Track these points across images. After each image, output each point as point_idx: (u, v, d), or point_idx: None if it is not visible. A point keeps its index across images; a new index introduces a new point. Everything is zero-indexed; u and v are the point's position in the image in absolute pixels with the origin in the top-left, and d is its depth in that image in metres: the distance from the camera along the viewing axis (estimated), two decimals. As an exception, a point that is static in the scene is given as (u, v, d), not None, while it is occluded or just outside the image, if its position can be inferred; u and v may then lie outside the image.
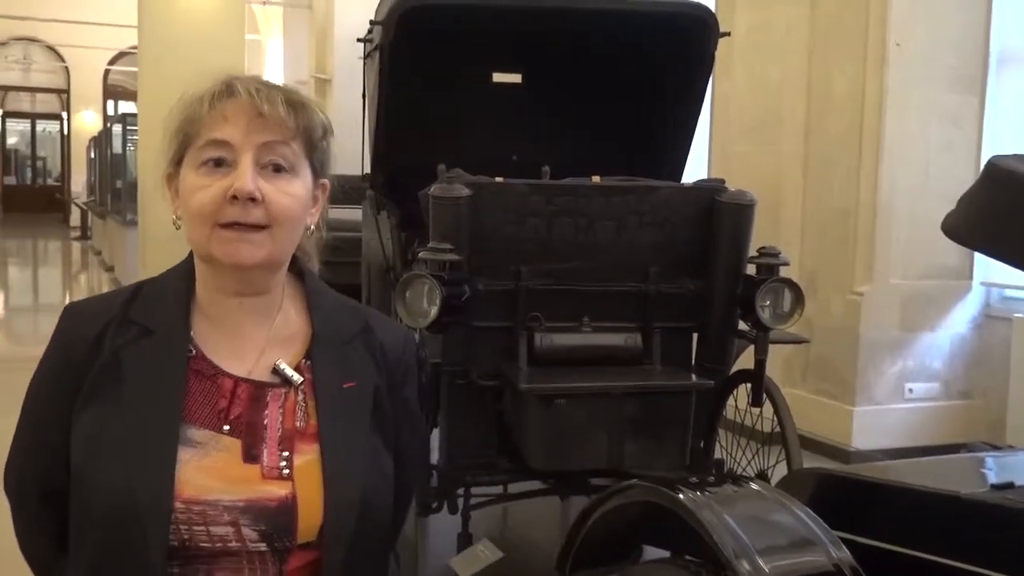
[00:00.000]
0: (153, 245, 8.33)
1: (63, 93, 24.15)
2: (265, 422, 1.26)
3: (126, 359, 1.24)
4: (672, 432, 3.08)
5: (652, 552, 2.15)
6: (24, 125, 26.38)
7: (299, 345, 1.33)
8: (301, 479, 1.24)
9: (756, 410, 3.50)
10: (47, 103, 25.34)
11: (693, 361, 3.41)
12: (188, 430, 1.22)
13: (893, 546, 1.73)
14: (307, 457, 1.26)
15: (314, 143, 1.29)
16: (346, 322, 1.37)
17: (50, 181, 26.46)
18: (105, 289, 12.24)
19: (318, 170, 1.31)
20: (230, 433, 1.24)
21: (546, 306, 3.20)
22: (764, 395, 3.43)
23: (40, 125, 26.32)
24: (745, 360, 3.46)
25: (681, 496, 1.76)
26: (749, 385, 3.43)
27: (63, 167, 25.15)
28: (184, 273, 1.32)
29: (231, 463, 1.23)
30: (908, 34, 5.24)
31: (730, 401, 3.62)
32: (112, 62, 23.06)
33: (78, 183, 22.36)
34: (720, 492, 1.87)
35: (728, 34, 4.14)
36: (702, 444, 3.49)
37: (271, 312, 1.32)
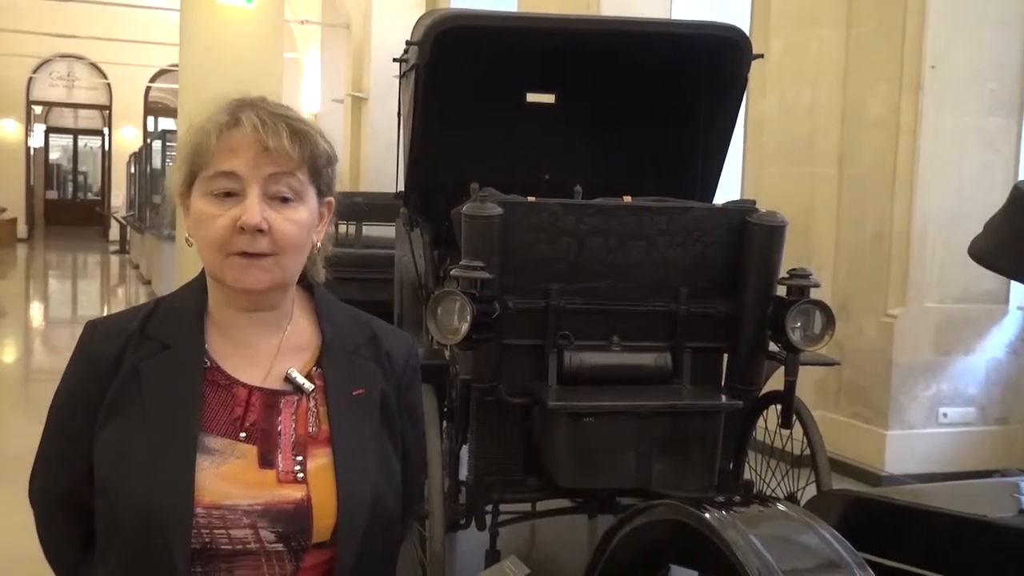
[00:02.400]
0: (189, 260, 8.40)
1: (105, 109, 24.58)
2: (279, 429, 1.32)
3: (145, 373, 1.30)
4: (701, 452, 3.07)
5: (679, 572, 2.16)
6: (67, 140, 26.87)
7: (309, 354, 1.39)
8: (315, 482, 1.29)
9: (786, 432, 3.48)
10: (89, 119, 25.80)
11: (723, 382, 3.41)
12: (206, 439, 1.28)
13: (919, 569, 1.73)
14: (320, 461, 1.31)
15: (319, 170, 1.34)
16: (353, 331, 1.43)
17: (91, 195, 26.90)
18: (143, 301, 12.41)
19: (324, 191, 1.37)
20: (246, 440, 1.30)
21: (576, 325, 3.21)
22: (794, 417, 3.42)
23: (82, 140, 26.79)
24: (775, 382, 3.45)
25: (707, 515, 1.76)
26: (779, 406, 3.42)
27: (103, 182, 25.56)
28: (198, 289, 1.38)
29: (248, 469, 1.28)
30: (944, 57, 5.21)
31: (760, 422, 3.60)
32: (153, 79, 23.45)
33: (118, 198, 22.71)
34: (746, 512, 1.87)
35: (761, 56, 4.15)
36: (731, 465, 3.48)
37: (282, 324, 1.38)
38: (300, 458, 1.31)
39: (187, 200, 1.34)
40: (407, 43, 4.11)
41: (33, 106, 24.33)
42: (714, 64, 3.97)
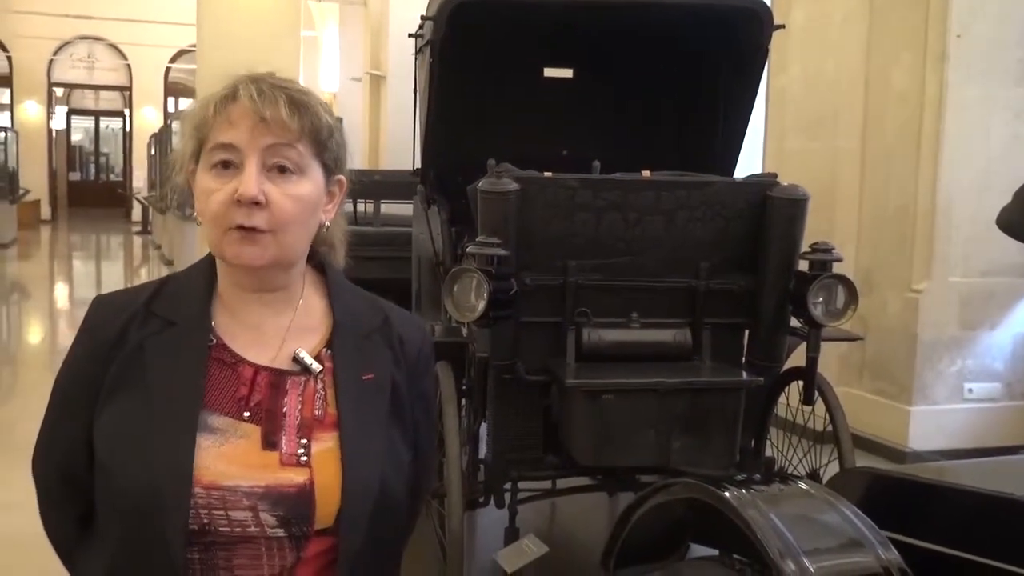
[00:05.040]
0: (210, 240, 8.49)
1: (126, 90, 24.67)
2: (284, 410, 1.29)
3: (149, 350, 1.28)
4: (721, 429, 3.05)
5: (699, 550, 2.14)
6: (88, 122, 27.01)
7: (320, 335, 1.35)
8: (319, 466, 1.26)
9: (808, 408, 3.45)
10: (110, 100, 25.91)
11: (744, 358, 3.38)
12: (208, 417, 1.25)
13: (944, 548, 1.70)
14: (325, 445, 1.28)
15: (322, 142, 1.31)
16: (366, 315, 1.40)
17: (113, 177, 27.05)
18: (164, 283, 12.50)
19: (331, 167, 1.33)
20: (250, 420, 1.27)
21: (594, 301, 3.18)
22: (816, 393, 3.38)
23: (103, 122, 26.92)
24: (797, 358, 3.41)
25: (727, 494, 1.74)
26: (801, 383, 3.38)
27: (125, 163, 25.70)
28: (206, 267, 1.35)
29: (250, 450, 1.25)
30: (969, 26, 5.11)
31: (782, 399, 3.57)
32: (173, 60, 23.51)
33: (139, 179, 22.83)
34: (767, 490, 1.85)
35: (783, 27, 4.08)
36: (753, 442, 3.45)
37: (291, 304, 1.35)
38: (304, 441, 1.27)
39: (192, 179, 1.32)
40: (422, 18, 4.08)
41: (54, 88, 24.47)
42: (734, 36, 3.91)
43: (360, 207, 6.37)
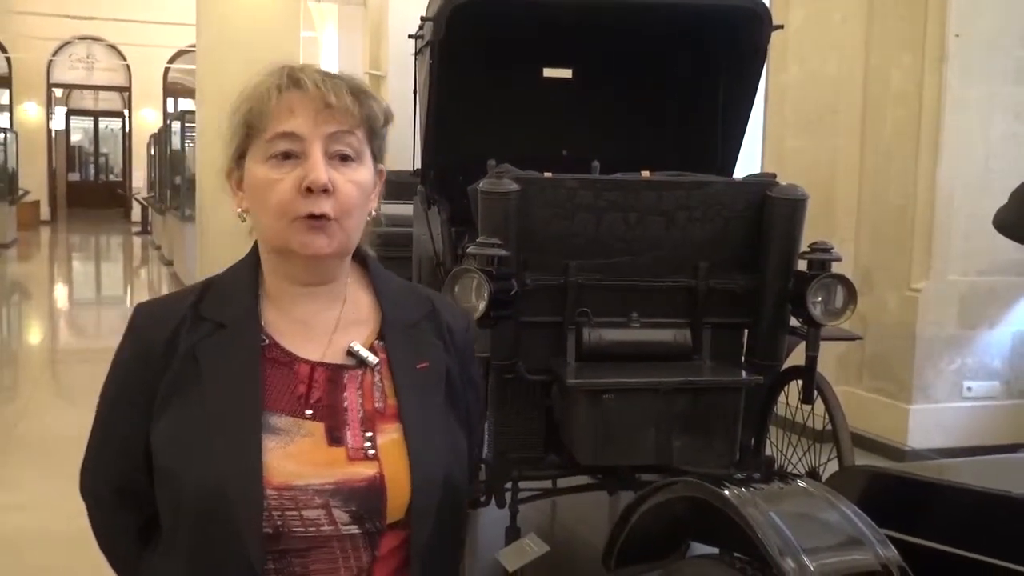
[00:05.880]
0: (211, 240, 8.49)
1: (125, 91, 24.67)
2: (345, 404, 1.28)
3: (202, 355, 1.26)
4: (721, 428, 3.05)
5: (699, 549, 2.15)
6: (87, 123, 27.01)
7: (369, 328, 1.34)
8: (386, 458, 1.25)
9: (808, 407, 3.46)
10: (109, 101, 25.91)
11: (743, 357, 3.39)
12: (270, 418, 1.24)
13: (942, 546, 1.71)
14: (390, 436, 1.27)
15: (376, 131, 1.31)
16: (413, 305, 1.39)
17: (112, 177, 27.05)
18: (164, 282, 12.52)
19: (377, 156, 1.33)
20: (313, 418, 1.26)
21: (595, 301, 3.19)
22: (816, 392, 3.39)
23: (103, 122, 26.92)
24: (797, 357, 3.42)
25: (727, 492, 1.75)
26: (800, 382, 3.39)
27: (124, 163, 25.71)
28: (250, 266, 1.34)
29: (316, 447, 1.24)
30: (968, 25, 5.12)
31: (781, 398, 3.58)
32: (172, 60, 23.52)
33: (139, 179, 22.85)
34: (767, 489, 1.85)
35: (781, 27, 4.09)
36: (752, 441, 3.46)
37: (339, 297, 1.34)
38: (369, 434, 1.26)
39: (236, 174, 1.30)
40: (422, 19, 4.09)
41: (53, 89, 24.47)
42: (733, 36, 3.92)
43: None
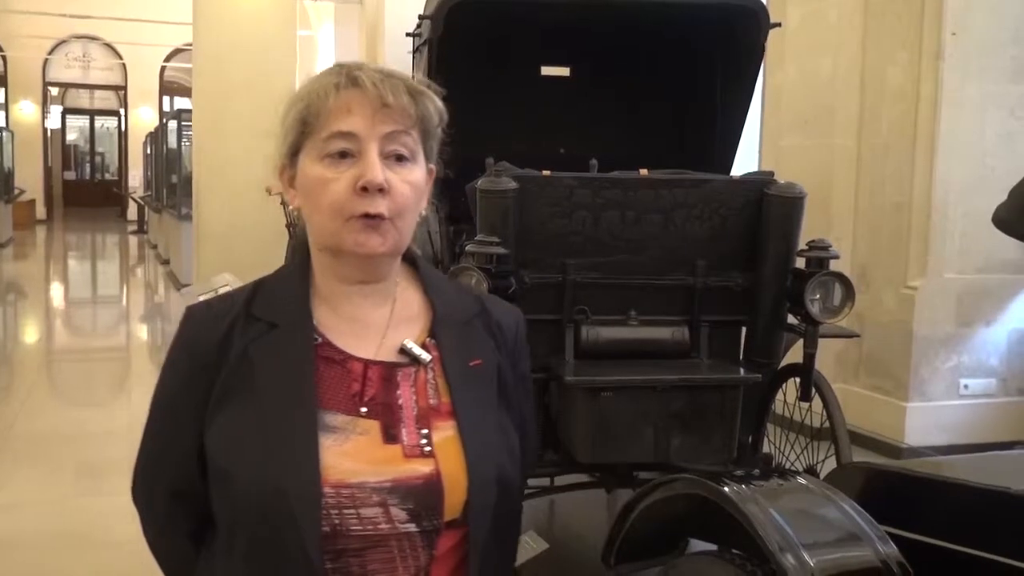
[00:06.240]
0: (207, 239, 8.46)
1: (121, 90, 24.63)
2: (400, 402, 1.28)
3: (255, 355, 1.26)
4: (719, 426, 3.06)
5: (698, 545, 2.15)
6: (83, 121, 26.95)
7: (420, 326, 1.34)
8: (442, 455, 1.25)
9: (805, 405, 3.46)
10: (105, 100, 25.86)
11: (741, 355, 3.39)
12: (325, 416, 1.23)
13: (941, 542, 1.71)
14: (445, 433, 1.27)
15: (430, 131, 1.31)
16: (463, 303, 1.39)
17: (108, 176, 26.99)
18: (160, 281, 12.51)
19: (429, 156, 1.33)
20: (368, 416, 1.26)
21: (593, 299, 3.20)
22: (813, 390, 3.40)
23: (99, 121, 26.86)
24: (794, 354, 3.43)
25: (726, 489, 1.75)
26: (798, 379, 3.40)
27: (120, 162, 25.67)
28: (300, 265, 1.34)
29: (372, 445, 1.24)
30: (964, 23, 5.13)
31: (779, 395, 3.59)
32: (168, 59, 23.48)
33: (135, 178, 22.80)
34: (766, 486, 1.86)
35: (779, 25, 4.09)
36: (750, 439, 3.46)
37: (389, 295, 1.34)
38: (425, 431, 1.26)
39: (289, 172, 1.30)
40: (420, 17, 4.09)
41: (49, 87, 24.42)
42: (730, 34, 3.93)
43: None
